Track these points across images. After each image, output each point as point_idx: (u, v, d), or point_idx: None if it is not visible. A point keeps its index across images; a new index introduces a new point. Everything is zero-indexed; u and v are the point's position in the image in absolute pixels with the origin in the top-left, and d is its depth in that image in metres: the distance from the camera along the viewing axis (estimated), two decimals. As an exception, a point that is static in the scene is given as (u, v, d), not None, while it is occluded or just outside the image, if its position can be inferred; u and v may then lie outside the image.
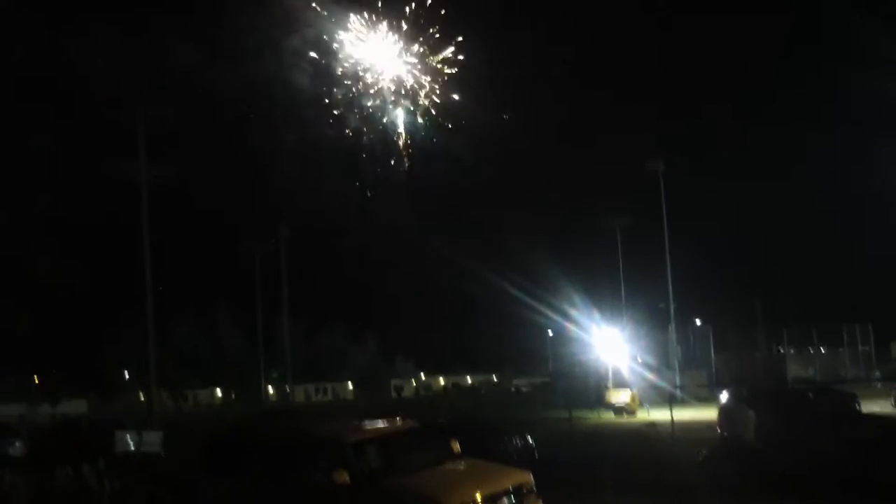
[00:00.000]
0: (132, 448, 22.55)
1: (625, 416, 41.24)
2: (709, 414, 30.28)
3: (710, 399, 41.35)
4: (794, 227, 74.92)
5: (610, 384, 48.11)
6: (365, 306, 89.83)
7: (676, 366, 51.34)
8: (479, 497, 11.78)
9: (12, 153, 59.63)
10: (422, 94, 43.73)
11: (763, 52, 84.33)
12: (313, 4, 40.80)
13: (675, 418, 28.38)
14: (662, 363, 52.48)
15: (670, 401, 34.13)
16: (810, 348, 62.20)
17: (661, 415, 35.80)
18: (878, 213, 65.60)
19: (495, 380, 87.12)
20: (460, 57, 42.59)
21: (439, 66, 42.82)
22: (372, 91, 43.61)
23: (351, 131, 44.70)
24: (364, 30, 42.12)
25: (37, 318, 66.46)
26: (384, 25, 42.11)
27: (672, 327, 53.37)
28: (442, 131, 44.43)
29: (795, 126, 76.40)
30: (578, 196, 78.15)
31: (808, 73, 77.23)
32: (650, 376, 48.20)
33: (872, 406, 34.10)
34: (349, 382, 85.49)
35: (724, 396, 32.88)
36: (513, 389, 72.83)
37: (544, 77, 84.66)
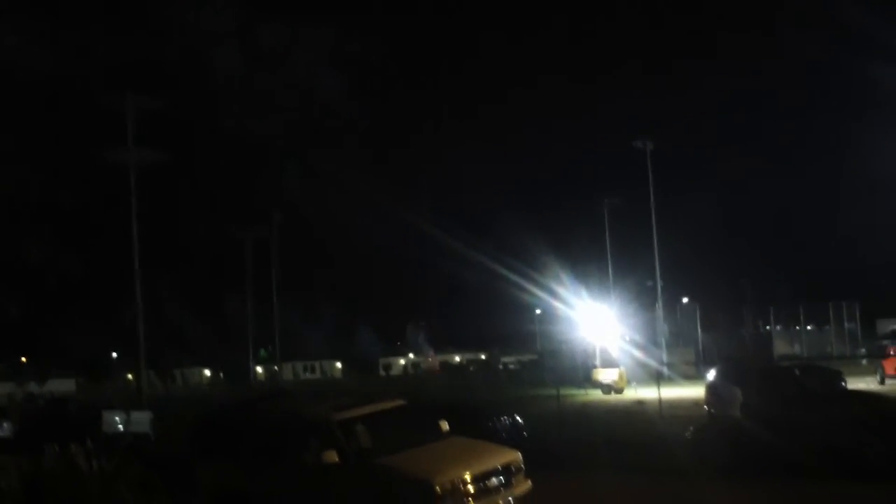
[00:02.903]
0: (120, 428, 22.52)
1: (612, 394, 41.43)
2: (696, 392, 30.48)
3: (697, 377, 41.61)
4: (783, 205, 75.18)
5: (598, 362, 48.32)
6: (352, 286, 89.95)
7: (664, 344, 51.55)
8: (468, 476, 11.82)
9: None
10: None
11: (751, 26, 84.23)
12: None
13: (662, 396, 28.57)
14: (650, 341, 52.68)
15: (658, 379, 34.35)
16: (797, 326, 62.67)
17: (648, 393, 36.01)
18: (866, 191, 65.93)
19: (483, 358, 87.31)
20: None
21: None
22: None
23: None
24: None
25: (25, 299, 66.23)
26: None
27: (659, 305, 53.56)
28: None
29: (784, 103, 76.58)
30: (567, 175, 78.22)
31: (796, 50, 77.09)
32: (638, 354, 48.45)
33: (858, 383, 34.40)
34: (337, 362, 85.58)
35: (710, 374, 33.02)
36: (500, 367, 72.98)
37: (534, 56, 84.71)
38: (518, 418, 21.83)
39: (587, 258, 60.97)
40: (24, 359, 74.18)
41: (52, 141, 62.47)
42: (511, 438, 18.54)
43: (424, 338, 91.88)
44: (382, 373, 78.52)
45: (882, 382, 37.13)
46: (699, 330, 57.96)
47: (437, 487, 11.48)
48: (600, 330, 52.15)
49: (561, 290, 56.59)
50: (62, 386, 63.13)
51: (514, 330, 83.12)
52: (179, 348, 71.14)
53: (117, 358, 72.41)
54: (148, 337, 35.05)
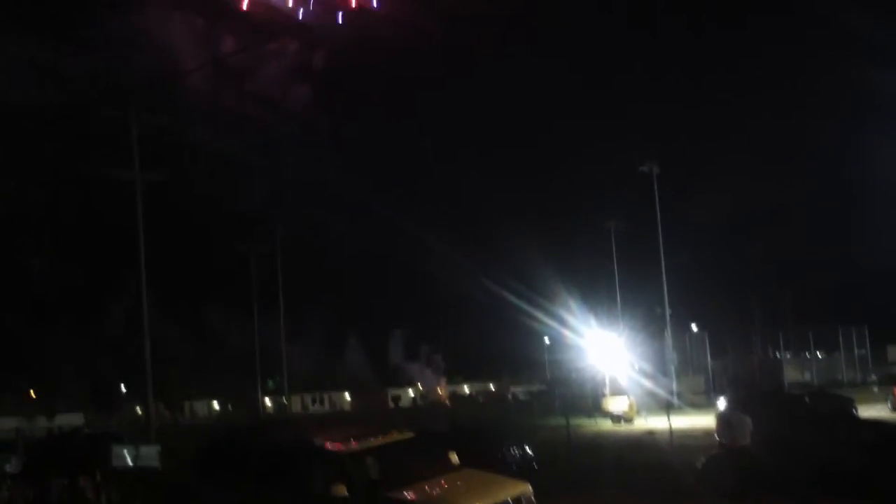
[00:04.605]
0: (129, 463, 22.44)
1: (623, 423, 41.16)
2: (706, 421, 30.28)
3: (707, 405, 41.37)
4: (791, 230, 74.78)
5: (607, 391, 48.05)
6: (361, 314, 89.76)
7: (673, 372, 51.27)
8: (478, 509, 11.76)
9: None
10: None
11: (759, 51, 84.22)
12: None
13: (673, 426, 28.36)
14: (659, 370, 52.38)
15: (668, 408, 34.12)
16: (807, 352, 62.40)
17: (659, 422, 35.77)
18: (875, 215, 65.63)
19: (493, 388, 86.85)
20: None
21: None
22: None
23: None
24: None
25: (32, 330, 66.34)
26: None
27: (668, 333, 53.32)
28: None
29: (792, 127, 76.36)
30: (574, 200, 78.05)
31: (806, 71, 76.84)
32: (647, 383, 48.16)
33: (869, 410, 34.15)
34: (346, 392, 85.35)
35: (721, 402, 32.90)
36: (510, 398, 72.64)
37: (539, 80, 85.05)
38: (528, 449, 21.71)
39: (595, 284, 60.82)
40: (32, 392, 74.14)
41: (44, 162, 62.65)
42: (521, 469, 18.43)
43: (432, 367, 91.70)
44: (392, 404, 78.16)
45: (894, 409, 36.86)
46: (709, 357, 57.65)
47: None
48: (609, 358, 51.89)
49: (570, 318, 56.45)
50: (72, 420, 62.98)
51: (523, 357, 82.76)
52: (187, 378, 71.06)
53: (126, 389, 72.36)
54: (155, 367, 35.01)
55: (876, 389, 49.11)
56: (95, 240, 63.21)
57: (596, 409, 45.15)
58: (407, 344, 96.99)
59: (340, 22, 74.03)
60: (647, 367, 52.79)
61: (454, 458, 13.71)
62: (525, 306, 59.05)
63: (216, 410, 79.12)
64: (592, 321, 55.48)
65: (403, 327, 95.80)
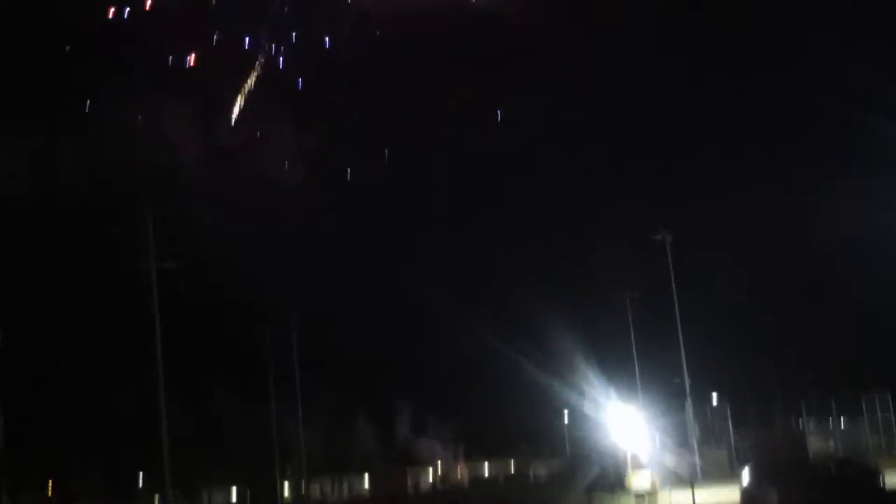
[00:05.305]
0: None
1: (646, 499, 40.53)
2: (731, 495, 29.87)
3: (731, 477, 40.72)
4: (808, 295, 74.30)
5: (629, 467, 47.43)
6: (370, 388, 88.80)
7: (695, 445, 50.66)
8: None
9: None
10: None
11: (767, 111, 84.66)
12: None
13: (697, 500, 27.97)
14: (682, 442, 51.80)
15: (692, 483, 33.71)
16: (829, 419, 61.64)
17: (683, 497, 35.26)
18: (892, 277, 65.28)
19: (512, 469, 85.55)
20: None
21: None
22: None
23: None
24: None
25: (48, 420, 66.14)
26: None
27: (689, 405, 52.84)
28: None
29: (807, 190, 76.19)
30: (591, 267, 77.80)
31: (818, 130, 76.88)
32: (669, 456, 47.59)
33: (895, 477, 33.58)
34: (365, 475, 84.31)
35: (745, 474, 32.37)
36: (531, 477, 71.72)
37: (550, 150, 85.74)
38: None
39: (614, 355, 60.44)
40: (50, 488, 73.48)
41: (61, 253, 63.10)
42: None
43: (448, 444, 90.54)
44: (411, 490, 77.14)
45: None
46: (731, 428, 56.95)
47: None
48: (630, 432, 51.37)
49: (588, 390, 56.07)
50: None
51: (542, 431, 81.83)
52: (203, 464, 70.37)
53: (144, 477, 71.71)
54: (172, 452, 34.97)
55: (902, 455, 48.36)
56: (109, 327, 63.52)
57: (618, 484, 44.52)
58: (418, 419, 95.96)
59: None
60: (669, 440, 52.24)
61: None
62: (543, 378, 58.80)
63: (234, 497, 78.29)
64: (612, 392, 55.09)
65: (415, 401, 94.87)
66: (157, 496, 55.75)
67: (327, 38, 74.95)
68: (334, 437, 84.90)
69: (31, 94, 66.02)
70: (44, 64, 68.16)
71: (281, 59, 74.92)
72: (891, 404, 60.85)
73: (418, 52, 75.99)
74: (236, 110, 71.00)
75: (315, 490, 71.06)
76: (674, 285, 50.29)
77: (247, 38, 74.60)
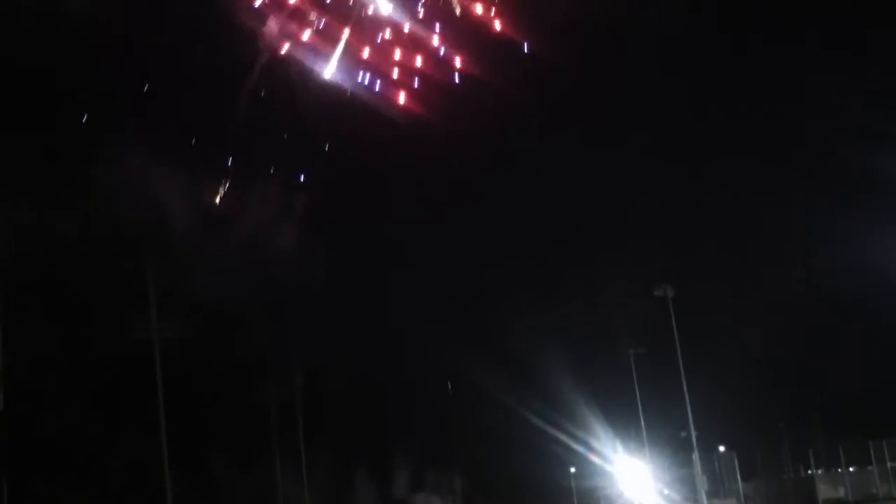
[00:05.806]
0: None
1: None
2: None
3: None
4: (813, 342, 73.86)
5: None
6: (367, 443, 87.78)
7: (704, 497, 50.16)
8: None
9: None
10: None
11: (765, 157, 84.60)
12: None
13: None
14: (690, 495, 51.34)
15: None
16: (839, 468, 61.10)
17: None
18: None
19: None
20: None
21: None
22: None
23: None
24: None
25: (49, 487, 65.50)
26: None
27: (696, 457, 52.42)
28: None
29: (811, 237, 75.84)
30: (597, 320, 77.39)
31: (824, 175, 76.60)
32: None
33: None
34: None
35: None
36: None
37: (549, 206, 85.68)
38: None
39: (620, 409, 60.04)
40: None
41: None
42: None
43: (452, 499, 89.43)
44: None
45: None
46: (739, 479, 56.46)
47: None
48: (638, 485, 51.04)
49: (595, 444, 55.72)
50: None
51: (549, 484, 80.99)
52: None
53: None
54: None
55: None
56: (108, 394, 63.22)
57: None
58: (418, 473, 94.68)
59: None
60: (677, 492, 51.84)
61: None
62: (551, 430, 58.42)
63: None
64: (618, 445, 54.77)
65: (415, 456, 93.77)
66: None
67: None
68: (333, 495, 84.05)
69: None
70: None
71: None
72: (899, 450, 60.38)
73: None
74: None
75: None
76: (676, 340, 50.03)
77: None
